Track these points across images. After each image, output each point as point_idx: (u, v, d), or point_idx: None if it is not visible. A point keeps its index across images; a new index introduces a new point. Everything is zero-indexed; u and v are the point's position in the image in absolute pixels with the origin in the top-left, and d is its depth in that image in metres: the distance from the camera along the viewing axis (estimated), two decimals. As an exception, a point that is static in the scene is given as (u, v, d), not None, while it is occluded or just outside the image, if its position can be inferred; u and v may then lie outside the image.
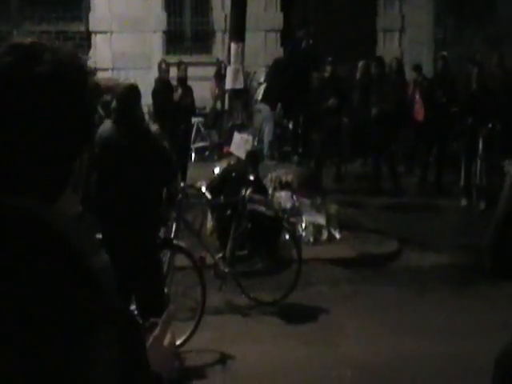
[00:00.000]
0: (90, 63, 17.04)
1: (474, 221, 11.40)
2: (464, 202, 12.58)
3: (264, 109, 14.48)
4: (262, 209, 8.45)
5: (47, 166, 1.49)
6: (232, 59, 13.14)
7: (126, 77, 15.03)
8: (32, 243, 1.39)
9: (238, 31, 13.21)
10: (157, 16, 18.59)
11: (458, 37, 17.80)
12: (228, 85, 13.03)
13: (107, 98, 11.07)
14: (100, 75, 17.26)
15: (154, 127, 8.93)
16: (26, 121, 1.45)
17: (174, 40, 18.63)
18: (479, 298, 8.38)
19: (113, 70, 17.47)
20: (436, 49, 18.03)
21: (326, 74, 13.77)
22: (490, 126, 12.57)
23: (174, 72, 13.89)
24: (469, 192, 12.72)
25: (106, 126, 6.28)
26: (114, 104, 6.61)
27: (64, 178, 1.53)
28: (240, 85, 13.13)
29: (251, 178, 8.88)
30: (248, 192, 8.38)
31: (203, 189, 8.23)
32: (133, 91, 6.35)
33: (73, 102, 1.51)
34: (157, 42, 18.59)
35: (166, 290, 6.70)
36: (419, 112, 14.40)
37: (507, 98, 13.29)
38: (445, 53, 15.60)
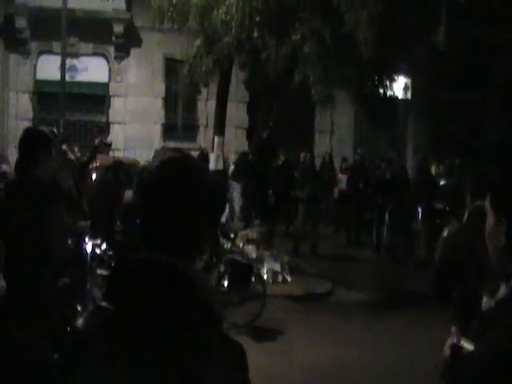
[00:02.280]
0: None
1: (383, 269, 11.62)
2: (375, 256, 12.75)
3: (234, 184, 14.58)
4: (239, 258, 8.51)
5: (194, 238, 1.54)
6: (215, 148, 13.16)
7: (134, 156, 15.09)
8: (180, 291, 1.44)
9: (220, 127, 13.24)
10: (158, 112, 18.73)
11: (371, 137, 18.13)
12: (212, 166, 13.07)
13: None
14: (116, 154, 17.26)
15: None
16: (184, 208, 1.52)
17: (169, 130, 18.75)
18: (394, 320, 8.52)
19: (125, 150, 17.43)
20: (355, 146, 18.27)
21: (280, 162, 13.98)
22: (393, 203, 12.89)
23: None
24: (379, 248, 12.99)
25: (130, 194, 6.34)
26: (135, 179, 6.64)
27: (201, 245, 1.59)
28: (221, 167, 13.24)
29: (231, 235, 8.94)
30: (229, 245, 8.46)
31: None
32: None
33: (209, 196, 1.57)
34: (157, 130, 18.70)
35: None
36: (337, 192, 14.70)
37: (404, 184, 13.65)
38: (359, 150, 15.93)
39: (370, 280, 10.78)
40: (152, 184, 1.55)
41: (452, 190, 13.57)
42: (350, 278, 10.79)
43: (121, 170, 8.42)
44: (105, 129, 18.22)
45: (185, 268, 1.49)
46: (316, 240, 12.67)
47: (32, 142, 3.86)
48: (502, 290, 1.61)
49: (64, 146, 6.40)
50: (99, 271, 6.45)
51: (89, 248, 6.34)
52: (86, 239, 6.40)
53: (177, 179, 1.54)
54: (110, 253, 6.65)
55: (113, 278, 1.54)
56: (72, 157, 6.51)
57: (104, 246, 6.66)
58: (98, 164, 9.18)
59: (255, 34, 11.10)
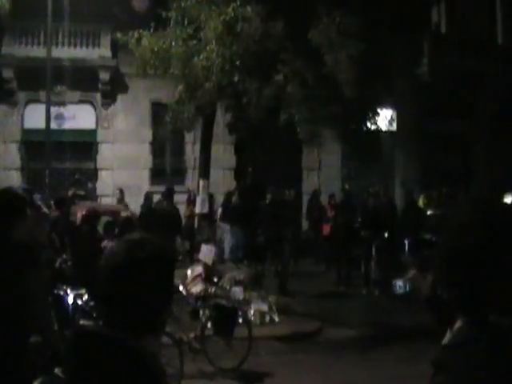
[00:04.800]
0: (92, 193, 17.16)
1: (372, 304, 11.69)
2: (364, 291, 12.82)
3: (222, 225, 14.69)
4: (223, 301, 8.57)
5: (145, 314, 1.69)
6: (200, 191, 13.33)
7: (124, 203, 15.20)
8: (126, 363, 1.59)
9: (204, 171, 13.42)
10: (145, 157, 18.96)
11: (358, 172, 18.27)
12: (198, 209, 13.18)
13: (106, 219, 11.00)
14: (103, 200, 17.43)
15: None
16: (135, 287, 1.67)
17: (157, 174, 18.91)
18: (386, 357, 8.55)
19: (113, 196, 17.48)
20: (343, 183, 18.39)
21: (267, 201, 14.14)
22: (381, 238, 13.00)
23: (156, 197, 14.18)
24: (367, 284, 13.06)
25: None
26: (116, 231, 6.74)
27: (153, 322, 1.73)
28: (206, 210, 13.35)
29: (215, 279, 9.05)
30: (213, 290, 8.58)
31: (180, 287, 8.39)
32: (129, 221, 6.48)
33: (161, 275, 1.72)
34: (145, 176, 18.87)
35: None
36: (326, 229, 14.82)
37: (391, 217, 13.78)
38: (346, 186, 16.10)
39: (359, 316, 10.79)
40: (115, 266, 1.71)
41: (439, 220, 13.75)
42: (340, 316, 10.83)
43: (96, 221, 8.54)
44: (82, 180, 18.35)
45: (136, 345, 1.63)
46: (284, 279, 12.65)
47: (5, 208, 3.93)
48: (447, 336, 1.77)
49: (38, 200, 6.56)
50: (82, 322, 6.57)
51: (70, 299, 6.48)
52: (68, 290, 6.54)
53: (139, 263, 1.70)
54: (92, 303, 6.78)
55: (67, 350, 1.68)
56: (46, 210, 6.68)
57: (86, 297, 6.80)
58: (83, 213, 9.36)
59: (236, 78, 11.41)
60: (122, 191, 15.58)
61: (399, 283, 6.88)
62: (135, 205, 15.00)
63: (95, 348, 1.63)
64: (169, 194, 13.42)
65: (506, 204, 1.78)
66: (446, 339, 1.72)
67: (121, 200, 15.36)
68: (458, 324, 1.68)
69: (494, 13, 20.07)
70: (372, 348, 9.12)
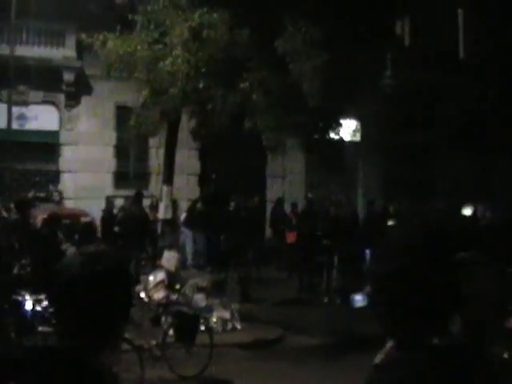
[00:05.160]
0: (56, 194, 16.89)
1: (334, 313, 11.76)
2: (326, 299, 12.93)
3: (186, 231, 14.61)
4: (185, 308, 8.55)
5: (102, 328, 1.67)
6: (163, 197, 13.18)
7: (85, 206, 15.00)
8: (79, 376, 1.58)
9: (168, 177, 13.28)
10: (109, 160, 18.73)
11: (322, 181, 18.40)
12: (161, 215, 13.08)
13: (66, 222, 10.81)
14: (65, 203, 17.14)
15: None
16: (91, 301, 1.65)
17: (121, 178, 18.71)
18: (347, 364, 8.49)
19: (75, 199, 17.26)
20: (307, 191, 18.40)
21: (231, 208, 14.13)
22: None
23: (119, 201, 14.01)
24: (329, 292, 13.13)
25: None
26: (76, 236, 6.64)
27: (110, 336, 1.71)
28: (169, 215, 13.24)
29: (177, 286, 9.00)
30: (175, 296, 8.52)
31: (142, 294, 8.31)
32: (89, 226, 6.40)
33: (118, 289, 1.70)
34: (108, 179, 18.65)
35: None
36: (289, 237, 14.89)
37: (353, 226, 13.91)
38: (309, 195, 16.20)
39: (321, 324, 10.86)
40: (70, 279, 1.69)
41: (394, 230, 13.91)
42: (302, 323, 10.87)
43: (57, 225, 8.40)
44: (43, 182, 18.02)
45: (93, 361, 1.62)
46: (247, 286, 12.66)
47: None
48: (379, 355, 1.78)
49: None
50: (41, 328, 6.44)
51: (29, 305, 6.34)
52: (27, 296, 6.40)
53: (95, 276, 1.68)
54: (52, 309, 6.64)
55: (18, 364, 1.64)
56: (5, 214, 6.54)
57: (45, 303, 6.66)
58: (44, 216, 9.20)
59: (201, 85, 11.38)
60: (60, 193, 15.44)
61: (357, 297, 6.98)
62: (97, 209, 14.80)
63: (50, 365, 1.60)
64: (137, 199, 13.30)
65: (435, 229, 1.76)
66: (377, 358, 1.78)
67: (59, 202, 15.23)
68: (388, 344, 1.73)
69: (457, 27, 20.52)
70: (333, 356, 9.17)
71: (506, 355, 7.96)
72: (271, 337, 10.10)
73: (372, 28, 13.66)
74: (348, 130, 17.06)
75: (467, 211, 15.57)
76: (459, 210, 16.42)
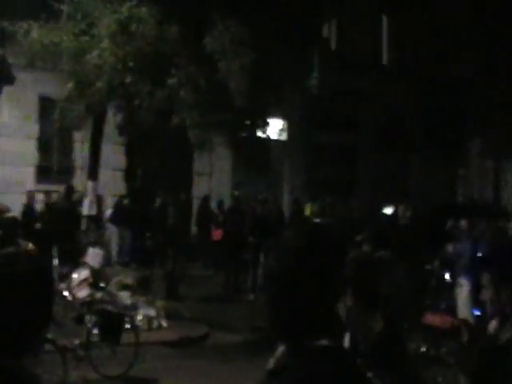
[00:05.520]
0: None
1: (260, 310, 11.77)
2: (252, 297, 12.90)
3: (111, 227, 14.32)
4: (110, 307, 8.36)
5: (22, 332, 1.59)
6: (88, 193, 12.94)
7: (4, 201, 14.37)
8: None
9: (93, 172, 13.03)
10: (31, 154, 18.03)
11: (248, 179, 18.44)
12: (85, 211, 12.77)
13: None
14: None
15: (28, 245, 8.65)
16: (10, 304, 1.58)
17: (43, 173, 18.10)
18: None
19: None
20: (233, 189, 18.38)
21: (157, 205, 13.94)
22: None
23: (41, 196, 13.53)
24: (255, 289, 13.19)
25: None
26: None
27: (31, 340, 1.63)
28: (94, 211, 12.97)
29: (102, 284, 8.80)
30: (99, 295, 8.31)
31: (65, 292, 8.07)
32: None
33: (38, 290, 1.63)
34: (30, 173, 17.97)
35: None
36: (216, 234, 14.88)
37: (279, 224, 13.99)
38: (236, 192, 16.24)
39: (246, 321, 10.83)
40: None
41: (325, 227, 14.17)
42: (227, 320, 10.89)
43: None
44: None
45: (13, 366, 1.56)
46: (172, 283, 12.54)
47: None
48: (271, 361, 1.75)
49: None
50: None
51: None
52: None
53: (15, 277, 1.61)
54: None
55: None
56: None
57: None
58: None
59: (128, 80, 11.16)
60: None
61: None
62: (18, 203, 14.21)
63: None
64: (68, 193, 12.89)
65: (321, 232, 1.74)
66: (269, 364, 1.75)
67: None
68: (280, 349, 1.72)
69: (381, 33, 21.12)
70: (259, 353, 9.13)
71: (423, 349, 8.23)
72: (197, 334, 10.05)
73: (299, 29, 13.85)
74: (274, 129, 17.20)
75: (388, 210, 16.07)
76: (380, 209, 16.94)
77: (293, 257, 1.60)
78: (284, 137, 19.10)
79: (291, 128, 19.36)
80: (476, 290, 9.82)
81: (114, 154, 17.77)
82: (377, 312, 2.87)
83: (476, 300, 9.88)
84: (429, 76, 19.36)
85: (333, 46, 20.09)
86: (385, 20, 20.99)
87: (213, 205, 16.50)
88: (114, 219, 14.39)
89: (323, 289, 1.59)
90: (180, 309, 11.21)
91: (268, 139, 14.67)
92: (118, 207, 14.58)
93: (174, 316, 10.57)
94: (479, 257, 10.23)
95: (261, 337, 9.82)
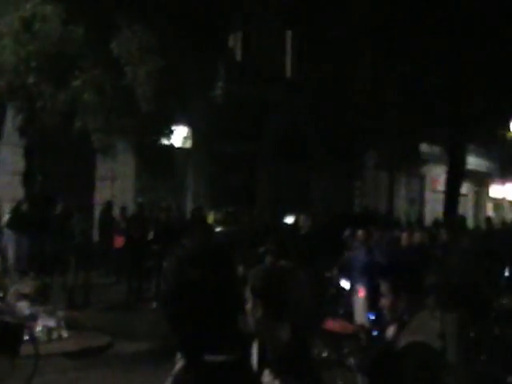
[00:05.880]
0: None
1: (163, 318, 11.66)
2: (155, 305, 12.59)
3: (8, 233, 13.67)
4: (7, 317, 7.93)
5: None
6: (-16, 197, 12.35)
7: None
8: None
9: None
10: None
11: (152, 186, 18.27)
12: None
13: None
14: None
15: None
16: None
17: None
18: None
19: None
20: (136, 195, 18.18)
21: (57, 211, 13.48)
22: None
23: None
24: (158, 297, 12.96)
25: None
26: None
27: None
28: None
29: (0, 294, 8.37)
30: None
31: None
32: None
33: None
34: None
35: None
36: (118, 241, 14.62)
37: (182, 232, 13.95)
38: (140, 199, 16.04)
39: (150, 330, 10.53)
40: None
41: (226, 236, 14.29)
42: (130, 329, 10.69)
43: None
44: None
45: None
46: (73, 292, 12.31)
47: None
48: (169, 379, 1.73)
49: None
50: None
51: None
52: None
53: None
54: None
55: None
56: None
57: None
58: None
59: (31, 80, 10.75)
60: None
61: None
62: None
63: None
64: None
65: (220, 246, 1.77)
66: (168, 381, 1.74)
67: None
68: (178, 365, 1.70)
69: (285, 46, 21.64)
70: (163, 362, 9.03)
71: (325, 354, 8.48)
72: (99, 344, 9.77)
73: (206, 39, 13.92)
74: (179, 136, 17.14)
75: (289, 220, 16.45)
76: (282, 218, 17.31)
77: (191, 268, 1.56)
78: (188, 144, 19.10)
79: (196, 136, 19.38)
80: (373, 295, 10.27)
81: (12, 157, 17.01)
82: (284, 321, 2.96)
83: (372, 305, 10.33)
84: (328, 90, 20.04)
85: (238, 56, 20.34)
86: (289, 33, 21.52)
87: (115, 211, 16.15)
88: (11, 225, 13.74)
89: (223, 302, 1.56)
90: (81, 318, 10.91)
91: (172, 146, 14.62)
92: (15, 213, 13.92)
93: (75, 326, 10.26)
94: (377, 265, 10.70)
95: (165, 345, 9.74)
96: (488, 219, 18.46)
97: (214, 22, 14.45)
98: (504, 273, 10.62)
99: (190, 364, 1.59)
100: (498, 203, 36.17)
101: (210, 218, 16.48)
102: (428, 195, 29.37)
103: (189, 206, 18.22)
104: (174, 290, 1.57)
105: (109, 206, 15.98)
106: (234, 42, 19.67)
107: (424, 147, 25.18)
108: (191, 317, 1.55)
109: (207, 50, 14.55)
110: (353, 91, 20.54)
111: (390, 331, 3.35)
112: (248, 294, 1.67)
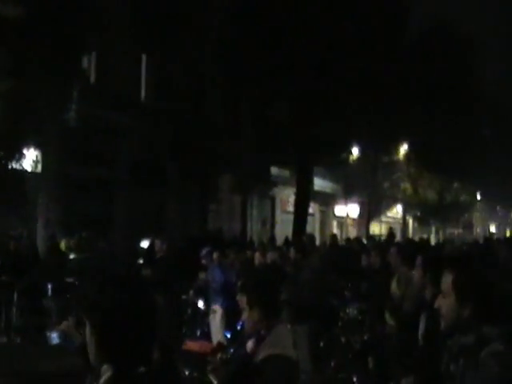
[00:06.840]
0: None
1: (16, 353, 10.95)
2: (5, 339, 11.95)
3: None
4: None
5: None
6: None
7: None
8: None
9: None
10: None
11: (0, 214, 17.10)
12: None
13: None
14: None
15: None
16: None
17: None
18: None
19: None
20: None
21: None
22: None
23: None
24: (9, 331, 12.24)
25: None
26: None
27: None
28: None
29: None
30: None
31: None
32: None
33: None
34: None
35: None
36: None
37: (33, 260, 13.32)
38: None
39: (2, 366, 9.81)
40: None
41: (81, 264, 13.87)
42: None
43: None
44: None
45: None
46: None
47: None
48: None
49: None
50: None
51: None
52: None
53: None
54: None
55: None
56: None
57: None
58: None
59: None
60: None
61: (53, 335, 6.79)
62: None
63: None
64: None
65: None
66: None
67: None
68: (105, 375, 1.80)
69: (140, 71, 21.55)
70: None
71: (187, 372, 8.44)
72: None
73: (58, 60, 13.53)
74: (29, 160, 16.37)
75: (145, 244, 16.31)
76: (137, 242, 17.11)
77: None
78: (39, 169, 18.25)
79: (46, 160, 18.57)
80: (229, 314, 10.50)
81: None
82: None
83: (228, 324, 10.55)
84: (183, 115, 20.26)
85: (93, 79, 19.91)
86: (144, 58, 21.49)
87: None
88: None
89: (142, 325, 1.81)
90: None
91: (24, 171, 13.95)
92: None
93: None
94: (232, 285, 10.97)
95: (20, 381, 9.18)
96: (333, 236, 19.58)
97: (68, 43, 14.11)
98: (348, 285, 11.40)
99: (118, 375, 1.74)
100: (342, 221, 38.55)
101: (63, 245, 15.89)
102: (279, 216, 30.54)
103: (40, 233, 17.34)
104: (90, 307, 1.79)
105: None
106: (88, 63, 19.26)
107: (274, 170, 26.30)
108: (122, 335, 1.73)
109: (62, 71, 14.16)
110: (206, 116, 20.95)
111: (249, 345, 3.55)
112: None
